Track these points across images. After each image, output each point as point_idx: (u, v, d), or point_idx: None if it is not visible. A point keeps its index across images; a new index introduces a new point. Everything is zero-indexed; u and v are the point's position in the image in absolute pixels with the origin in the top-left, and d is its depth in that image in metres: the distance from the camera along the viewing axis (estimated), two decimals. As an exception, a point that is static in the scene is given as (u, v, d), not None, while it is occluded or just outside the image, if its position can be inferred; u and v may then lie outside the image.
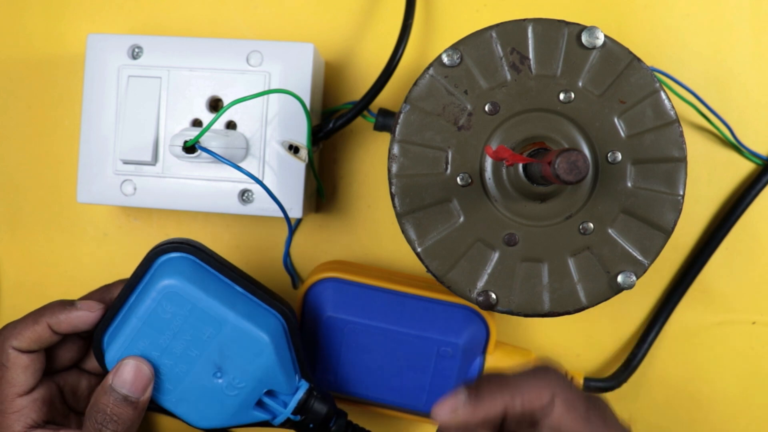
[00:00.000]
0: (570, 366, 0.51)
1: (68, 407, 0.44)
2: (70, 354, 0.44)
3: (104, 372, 0.41)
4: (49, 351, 0.43)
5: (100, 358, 0.41)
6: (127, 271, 0.42)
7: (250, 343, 0.40)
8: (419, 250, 0.39)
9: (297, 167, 0.45)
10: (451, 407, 0.37)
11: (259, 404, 0.42)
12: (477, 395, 0.37)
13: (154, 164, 0.46)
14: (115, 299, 0.41)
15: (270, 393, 0.42)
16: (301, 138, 0.45)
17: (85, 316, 0.41)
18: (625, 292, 0.39)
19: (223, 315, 0.40)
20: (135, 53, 0.46)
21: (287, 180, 0.45)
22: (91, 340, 0.44)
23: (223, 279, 0.42)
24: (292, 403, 0.42)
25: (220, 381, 0.41)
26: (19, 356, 0.41)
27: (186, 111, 0.46)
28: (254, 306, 0.42)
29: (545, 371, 0.38)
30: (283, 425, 0.43)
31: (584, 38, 0.38)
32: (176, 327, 0.40)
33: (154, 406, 0.42)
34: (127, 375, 0.39)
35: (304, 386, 0.42)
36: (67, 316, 0.41)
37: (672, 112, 0.39)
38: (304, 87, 0.45)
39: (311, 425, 0.43)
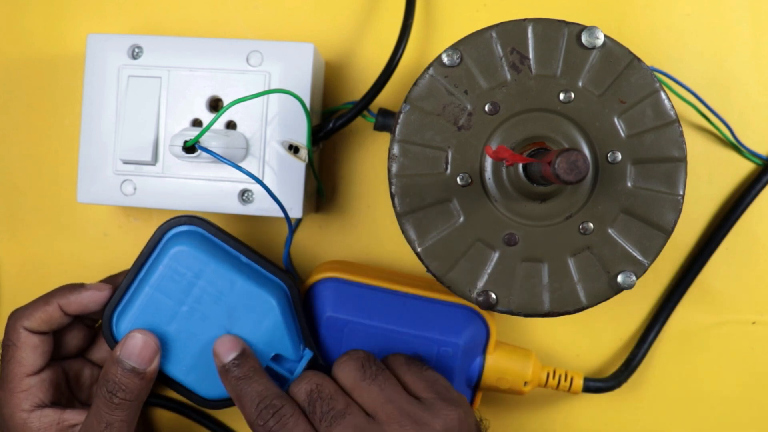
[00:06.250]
0: (570, 366, 0.51)
1: (72, 393, 0.45)
2: (76, 341, 0.45)
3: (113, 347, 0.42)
4: (56, 336, 0.44)
5: (110, 336, 0.42)
6: (127, 271, 0.43)
7: (258, 305, 0.42)
8: (419, 250, 0.39)
9: (297, 167, 0.45)
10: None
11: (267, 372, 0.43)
12: None
13: (154, 164, 0.46)
14: (124, 278, 0.42)
15: (277, 360, 0.43)
16: (301, 138, 0.45)
17: (95, 296, 0.42)
18: (625, 292, 0.39)
19: (231, 277, 0.41)
20: (135, 53, 0.46)
21: (287, 180, 0.45)
22: (96, 329, 0.45)
23: (229, 250, 0.43)
24: (299, 369, 0.43)
25: None
26: (30, 336, 0.42)
27: (186, 111, 0.46)
28: (259, 274, 0.43)
29: None
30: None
31: (584, 38, 0.38)
32: (185, 291, 0.41)
33: (164, 381, 0.43)
34: (134, 347, 0.40)
35: (308, 354, 0.43)
36: (77, 296, 0.42)
37: (672, 112, 0.39)
38: (304, 87, 0.45)
39: None
